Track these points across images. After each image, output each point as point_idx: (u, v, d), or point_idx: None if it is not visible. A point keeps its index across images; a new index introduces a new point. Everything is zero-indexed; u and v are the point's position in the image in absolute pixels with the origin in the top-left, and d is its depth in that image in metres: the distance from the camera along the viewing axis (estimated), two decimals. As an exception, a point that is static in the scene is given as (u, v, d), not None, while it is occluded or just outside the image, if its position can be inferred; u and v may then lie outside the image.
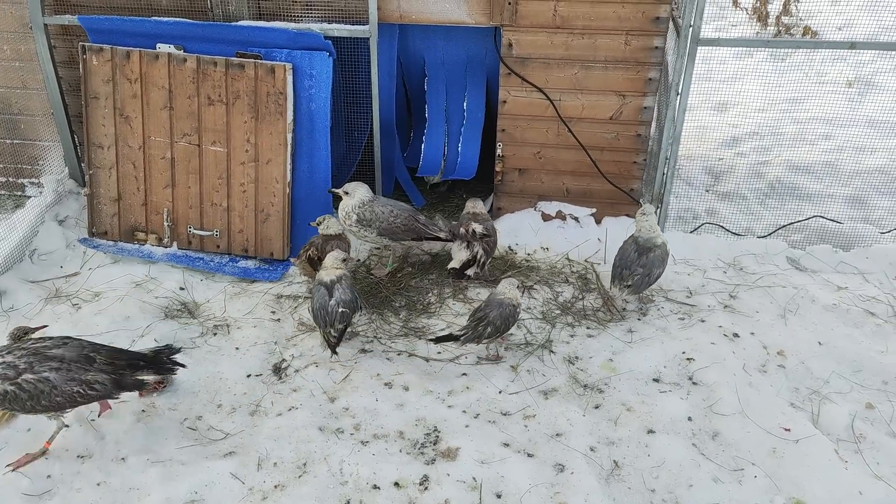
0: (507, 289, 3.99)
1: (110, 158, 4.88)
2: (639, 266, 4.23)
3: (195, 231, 4.91)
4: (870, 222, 5.49)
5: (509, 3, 4.55)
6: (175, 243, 4.96)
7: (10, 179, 5.45)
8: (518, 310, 4.02)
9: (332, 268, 4.00)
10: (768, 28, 10.24)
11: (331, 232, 4.45)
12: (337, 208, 4.79)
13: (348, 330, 4.06)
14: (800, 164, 6.33)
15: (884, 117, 7.12)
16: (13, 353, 3.25)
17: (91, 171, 4.92)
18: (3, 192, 5.52)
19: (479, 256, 4.56)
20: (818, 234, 5.32)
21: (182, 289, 4.69)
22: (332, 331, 3.89)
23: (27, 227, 4.88)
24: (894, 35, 7.99)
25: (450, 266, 4.62)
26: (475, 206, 4.77)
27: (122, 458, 3.38)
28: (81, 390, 3.25)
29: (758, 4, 10.51)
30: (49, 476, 3.29)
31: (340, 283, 3.95)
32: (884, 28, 9.17)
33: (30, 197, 5.31)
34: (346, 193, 4.56)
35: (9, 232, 4.80)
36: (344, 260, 4.06)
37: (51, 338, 3.41)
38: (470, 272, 4.63)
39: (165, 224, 4.93)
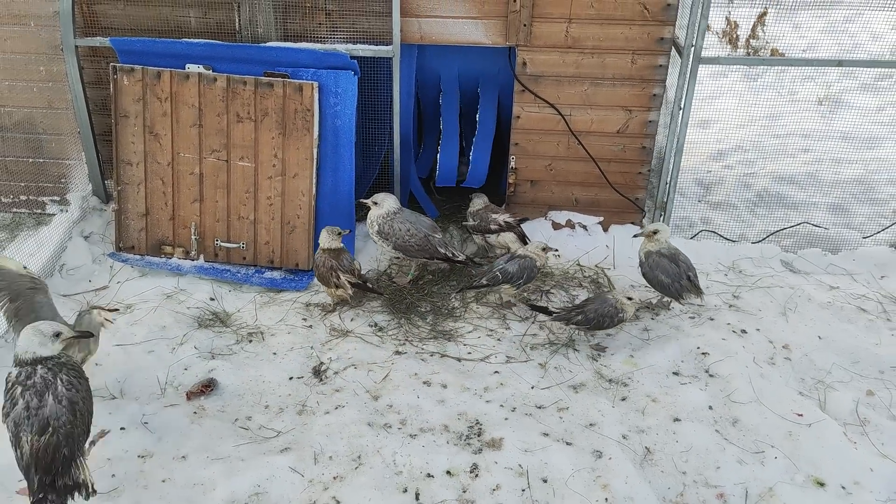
0: (620, 293, 4.32)
1: (139, 175, 5.02)
2: (687, 271, 4.55)
3: (222, 243, 5.07)
4: (852, 228, 5.90)
5: (524, 25, 4.86)
6: (202, 256, 5.10)
7: (31, 198, 5.53)
8: (620, 315, 4.30)
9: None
10: (738, 50, 10.81)
11: (333, 247, 4.58)
12: (360, 221, 5.02)
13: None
14: (783, 175, 6.75)
15: (855, 131, 7.62)
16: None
17: (119, 188, 5.05)
18: (23, 210, 5.59)
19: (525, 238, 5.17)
20: (807, 239, 5.70)
21: (212, 299, 4.83)
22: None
23: (55, 243, 4.99)
24: (855, 56, 8.57)
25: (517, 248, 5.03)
26: (482, 200, 5.24)
27: (183, 457, 3.51)
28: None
29: (727, 28, 11.10)
30: (113, 475, 3.40)
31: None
32: (844, 49, 9.80)
33: (52, 214, 5.40)
34: (375, 203, 4.79)
35: (38, 248, 4.90)
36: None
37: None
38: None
39: (193, 237, 5.07)
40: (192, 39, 4.92)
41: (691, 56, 4.79)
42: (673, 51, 5.03)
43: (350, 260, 4.64)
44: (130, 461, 3.49)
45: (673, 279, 4.54)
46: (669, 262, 4.56)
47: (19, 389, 2.97)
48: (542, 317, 4.69)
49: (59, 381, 3.00)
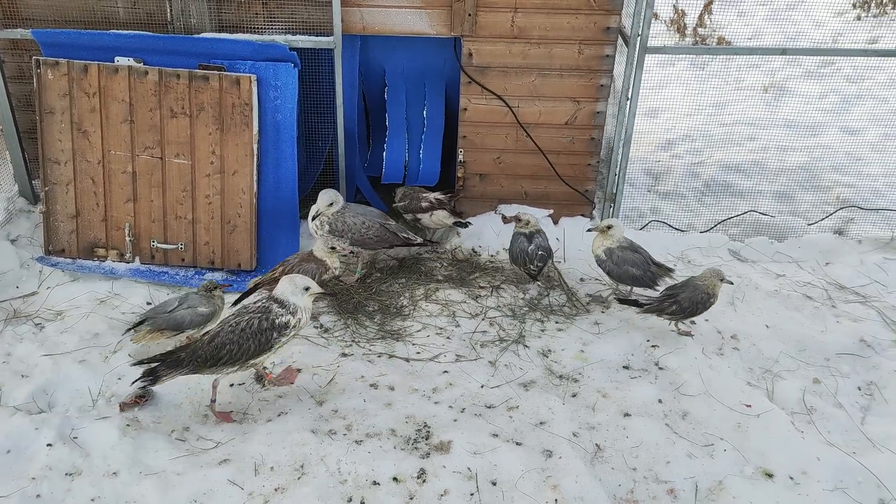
0: (709, 277, 4.25)
1: (67, 174, 4.77)
2: (649, 257, 4.56)
3: (159, 245, 4.86)
4: (797, 215, 5.97)
5: (469, 15, 4.75)
6: (137, 258, 4.88)
7: (-50, 200, 5.22)
8: (711, 301, 4.26)
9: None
10: (686, 38, 10.89)
11: (317, 255, 4.41)
12: (305, 218, 4.85)
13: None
14: (730, 164, 6.79)
15: (799, 118, 7.73)
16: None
17: (47, 188, 4.79)
18: (-57, 213, 5.27)
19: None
20: (753, 228, 5.74)
21: (149, 304, 4.62)
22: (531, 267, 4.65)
23: (-22, 247, 4.71)
24: (798, 43, 8.70)
25: (452, 223, 5.22)
26: (412, 188, 5.28)
27: (114, 473, 3.33)
28: None
29: (675, 17, 11.17)
30: (38, 496, 3.21)
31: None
32: (788, 38, 9.95)
33: (-27, 217, 5.11)
34: (331, 205, 4.63)
35: (-42, 253, 4.62)
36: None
37: None
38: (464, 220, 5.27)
39: (127, 239, 4.85)
40: (120, 31, 4.67)
41: (637, 45, 4.75)
42: (620, 40, 4.98)
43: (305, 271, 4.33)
44: (57, 479, 3.29)
45: (643, 269, 4.52)
46: (633, 252, 4.53)
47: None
48: (491, 312, 4.63)
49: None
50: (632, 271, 4.52)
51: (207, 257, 4.89)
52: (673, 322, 4.42)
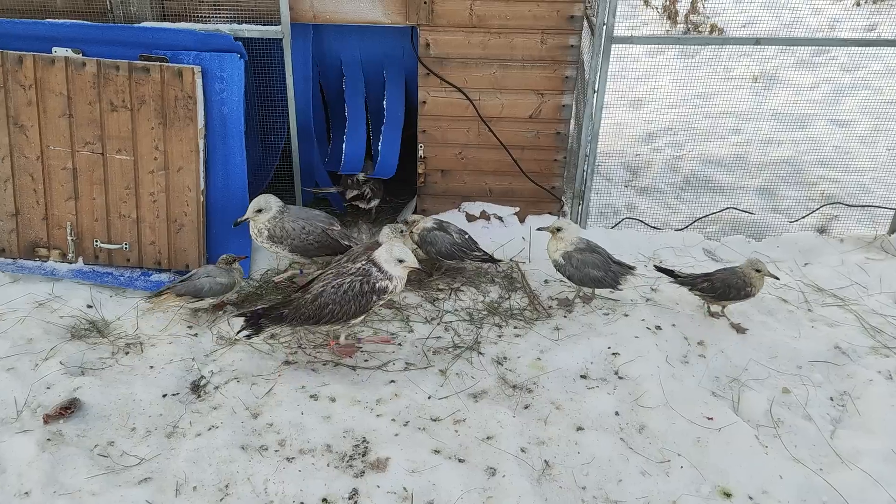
0: (746, 265, 4.17)
1: (5, 171, 4.56)
2: (608, 257, 4.39)
3: (102, 245, 4.65)
4: (779, 212, 5.72)
5: (425, 3, 4.50)
6: (80, 258, 4.68)
7: None
8: (748, 290, 4.19)
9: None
10: (678, 26, 10.58)
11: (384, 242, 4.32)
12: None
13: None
14: (712, 158, 6.54)
15: (788, 110, 7.46)
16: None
17: (-16, 185, 4.58)
18: None
19: (366, 193, 5.27)
20: (731, 226, 5.50)
21: (90, 306, 4.42)
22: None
23: (-88, 247, 4.51)
24: (794, 31, 8.40)
25: (347, 200, 5.34)
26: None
27: (26, 493, 3.14)
28: None
29: (667, 3, 10.85)
30: (-58, 518, 3.02)
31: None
32: (784, 24, 9.65)
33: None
34: (259, 211, 4.32)
35: None
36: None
37: None
38: (361, 204, 5.33)
39: (69, 238, 4.64)
40: (57, 20, 4.44)
41: (603, 35, 4.49)
42: (587, 30, 4.72)
43: None
44: (-35, 500, 3.11)
45: (604, 270, 4.32)
46: (591, 253, 4.32)
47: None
48: (448, 317, 4.41)
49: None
50: (593, 273, 4.31)
51: (153, 257, 4.68)
52: (706, 304, 4.35)
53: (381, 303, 3.79)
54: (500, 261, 4.83)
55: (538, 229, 4.51)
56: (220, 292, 4.27)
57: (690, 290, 4.31)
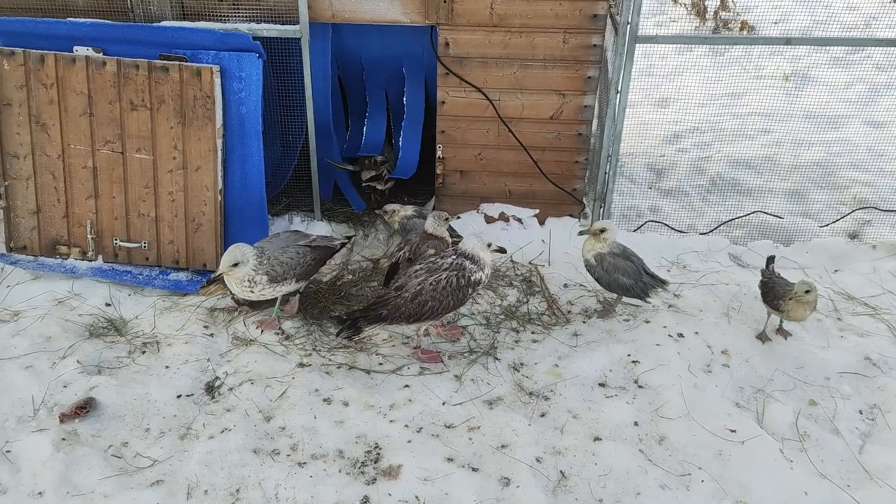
0: (799, 286, 3.97)
1: (27, 169, 4.59)
2: (642, 266, 4.26)
3: (121, 243, 4.66)
4: (809, 216, 5.56)
5: (445, 2, 4.43)
6: (100, 257, 4.70)
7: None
8: (778, 304, 4.06)
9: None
10: (707, 23, 10.37)
11: (432, 231, 4.33)
12: (275, 216, 4.61)
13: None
14: (740, 159, 6.38)
15: (820, 110, 7.25)
16: None
17: (7, 183, 4.61)
18: None
19: (383, 174, 5.29)
20: (759, 230, 5.35)
21: (108, 305, 4.43)
22: None
23: (-63, 244, 4.56)
24: (827, 29, 8.17)
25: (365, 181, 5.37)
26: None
27: (40, 493, 3.15)
28: None
29: (696, 0, 10.64)
30: (-44, 517, 3.04)
31: None
32: (817, 22, 9.39)
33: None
34: (234, 265, 3.87)
35: (-82, 249, 4.48)
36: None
37: None
38: (378, 185, 5.34)
39: (89, 236, 4.66)
40: (78, 19, 4.46)
41: (627, 34, 4.38)
42: (610, 29, 4.61)
43: (429, 248, 4.28)
44: (-20, 499, 3.12)
45: (635, 279, 4.18)
46: (625, 260, 4.19)
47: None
48: (465, 321, 4.34)
49: None
50: (622, 280, 4.18)
51: (172, 256, 4.68)
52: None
53: (474, 293, 3.91)
54: (504, 250, 4.76)
55: (580, 233, 4.34)
56: None
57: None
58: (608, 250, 4.18)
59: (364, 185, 5.37)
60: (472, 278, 3.82)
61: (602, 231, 4.18)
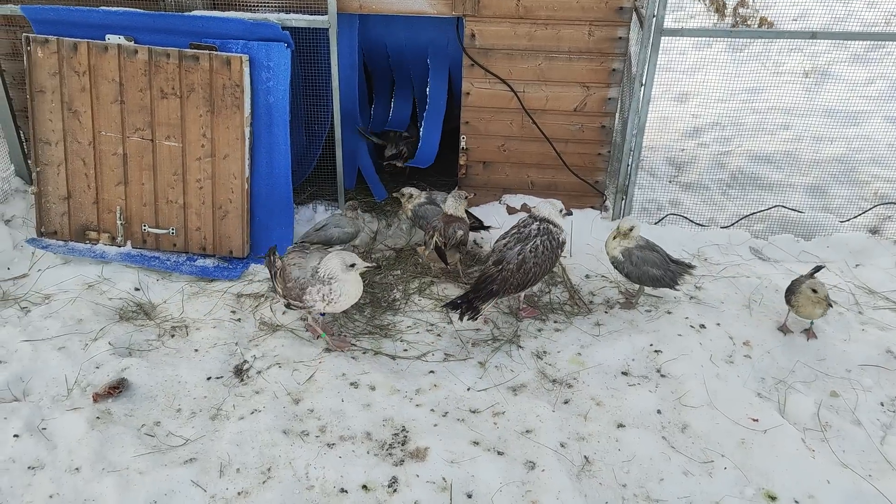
0: (807, 284, 4.05)
1: (59, 155, 4.67)
2: (666, 255, 4.31)
3: (150, 229, 4.74)
4: (829, 211, 5.57)
5: (471, -7, 4.47)
6: (129, 242, 4.78)
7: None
8: (793, 299, 4.11)
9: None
10: (726, 19, 10.34)
11: (453, 212, 4.44)
12: (300, 204, 4.67)
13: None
14: (760, 154, 6.39)
15: (840, 106, 7.24)
16: None
17: (38, 169, 4.70)
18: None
19: (403, 152, 5.54)
20: (779, 224, 5.36)
21: (137, 289, 4.52)
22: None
23: (-30, 227, 4.65)
24: (848, 25, 8.15)
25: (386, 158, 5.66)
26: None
27: (76, 469, 3.22)
28: None
29: (716, -4, 10.61)
30: (-4, 490, 3.12)
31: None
32: (836, 19, 9.35)
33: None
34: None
35: (-49, 233, 4.57)
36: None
37: None
38: (398, 163, 5.58)
39: (118, 222, 4.74)
40: (111, 8, 4.52)
41: (653, 27, 4.40)
42: (635, 21, 4.64)
43: (456, 230, 4.40)
44: (18, 473, 3.20)
45: (663, 269, 4.23)
46: (651, 252, 4.23)
47: None
48: (488, 309, 4.38)
49: None
50: (652, 272, 4.21)
51: (199, 243, 4.75)
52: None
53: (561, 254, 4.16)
54: (489, 227, 4.90)
55: (613, 238, 4.27)
56: (346, 240, 4.63)
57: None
58: (634, 244, 4.21)
59: (385, 163, 5.58)
60: (560, 238, 4.11)
61: (631, 230, 4.19)
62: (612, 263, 4.31)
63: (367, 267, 3.80)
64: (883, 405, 3.78)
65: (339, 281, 3.73)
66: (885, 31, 8.51)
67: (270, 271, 4.09)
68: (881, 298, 4.59)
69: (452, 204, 4.41)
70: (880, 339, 4.20)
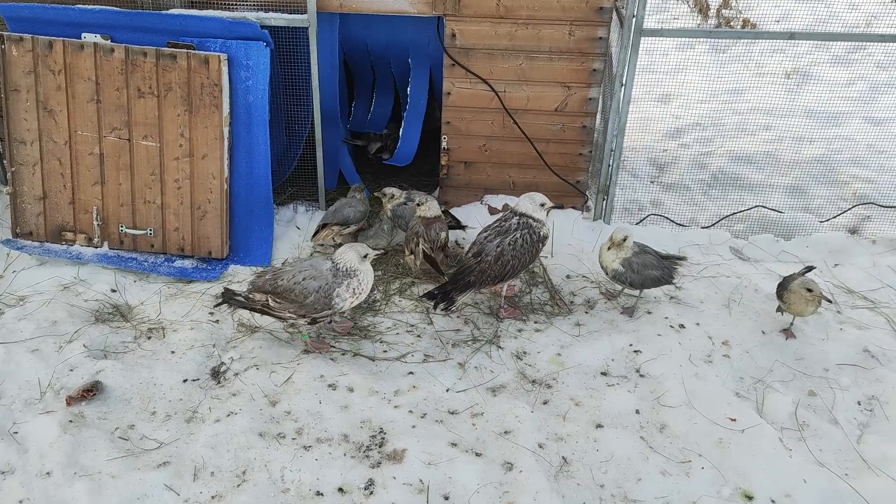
0: (799, 283, 4.04)
1: (34, 155, 4.61)
2: (655, 252, 4.32)
3: (127, 230, 4.69)
4: (809, 211, 5.60)
5: (452, -7, 4.46)
6: (106, 243, 4.73)
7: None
8: (784, 297, 4.11)
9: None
10: (709, 20, 10.40)
11: (430, 214, 4.43)
12: (281, 205, 4.63)
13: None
14: (741, 155, 6.42)
15: (820, 108, 7.29)
16: None
17: (13, 169, 4.64)
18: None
19: (388, 145, 5.68)
20: (760, 224, 5.39)
21: (114, 291, 4.47)
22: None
23: (-57, 228, 4.59)
24: (829, 26, 8.21)
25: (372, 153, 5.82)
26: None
27: (48, 473, 3.18)
28: None
29: (699, -3, 10.67)
30: (-35, 496, 3.07)
31: None
32: (819, 20, 9.43)
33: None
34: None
35: (-76, 234, 4.50)
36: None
37: None
38: (384, 156, 5.63)
39: (95, 223, 4.68)
40: (87, 6, 4.47)
41: (632, 28, 4.41)
42: (616, 22, 4.64)
43: (439, 231, 4.41)
44: (-12, 478, 3.15)
45: (661, 268, 4.23)
46: (645, 255, 4.21)
47: None
48: (468, 309, 4.38)
49: None
50: (653, 274, 4.19)
51: (177, 244, 4.71)
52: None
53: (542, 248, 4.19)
54: (465, 226, 4.91)
55: (608, 249, 4.21)
56: (360, 218, 4.83)
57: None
58: (631, 253, 4.19)
59: (371, 156, 5.71)
60: (542, 233, 4.11)
61: (625, 239, 4.15)
62: (613, 277, 4.22)
63: (377, 254, 3.87)
64: (860, 404, 3.80)
65: (361, 271, 3.79)
66: (864, 31, 8.58)
67: (250, 309, 3.91)
68: (859, 298, 4.62)
69: (434, 208, 4.40)
70: (858, 338, 4.22)
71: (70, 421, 3.47)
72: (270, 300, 3.79)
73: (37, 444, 3.33)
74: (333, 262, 3.78)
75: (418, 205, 4.44)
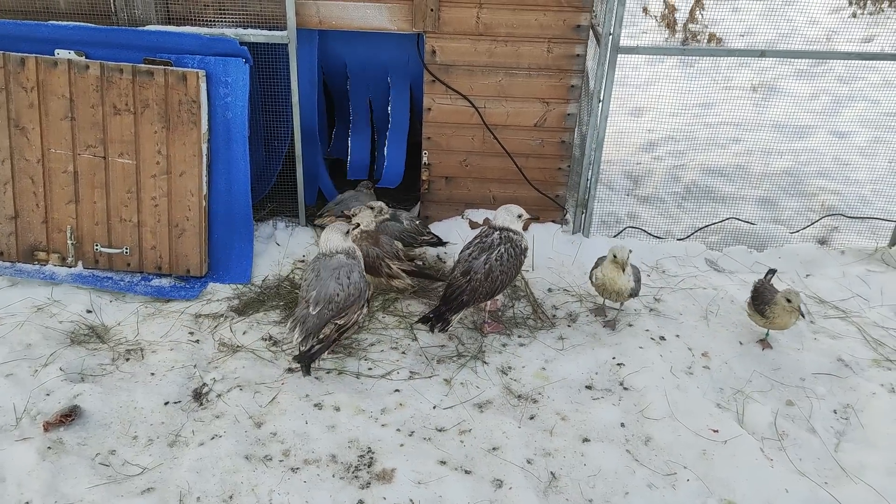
0: (782, 293, 4.08)
1: (5, 173, 4.50)
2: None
3: (102, 249, 4.60)
4: (779, 223, 5.73)
5: (432, 10, 4.48)
6: (80, 263, 4.63)
7: None
8: (764, 308, 4.15)
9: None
10: (676, 35, 10.62)
11: (371, 228, 4.44)
12: (260, 221, 4.59)
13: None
14: (713, 168, 6.55)
15: (787, 121, 7.48)
16: None
17: (-17, 187, 4.53)
18: None
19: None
20: (733, 236, 5.50)
21: (89, 311, 4.37)
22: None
23: None
24: (791, 41, 8.44)
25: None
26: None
27: (27, 503, 3.09)
28: None
29: (666, 12, 10.88)
30: (-59, 528, 2.97)
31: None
32: (781, 35, 9.68)
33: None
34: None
35: None
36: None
37: None
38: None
39: (69, 242, 4.59)
40: (61, 22, 4.40)
41: (609, 45, 4.48)
42: (592, 39, 4.71)
43: (390, 242, 4.40)
44: (-36, 510, 3.05)
45: (637, 277, 4.33)
46: (633, 268, 4.30)
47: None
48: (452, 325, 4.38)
49: None
50: (637, 285, 4.30)
51: (154, 262, 4.63)
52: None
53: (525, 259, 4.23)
54: (447, 242, 4.95)
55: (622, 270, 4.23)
56: None
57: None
58: (631, 268, 4.24)
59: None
60: (522, 245, 4.17)
61: (629, 255, 4.18)
62: (629, 294, 4.24)
63: (355, 231, 4.04)
64: (836, 412, 3.89)
65: (353, 248, 3.95)
66: (827, 48, 8.84)
67: (332, 346, 3.92)
68: (831, 308, 4.74)
69: (364, 216, 4.45)
70: (831, 347, 4.33)
71: (48, 447, 3.38)
72: (335, 322, 3.81)
73: (14, 472, 3.23)
74: (326, 251, 3.90)
75: (352, 215, 4.46)
